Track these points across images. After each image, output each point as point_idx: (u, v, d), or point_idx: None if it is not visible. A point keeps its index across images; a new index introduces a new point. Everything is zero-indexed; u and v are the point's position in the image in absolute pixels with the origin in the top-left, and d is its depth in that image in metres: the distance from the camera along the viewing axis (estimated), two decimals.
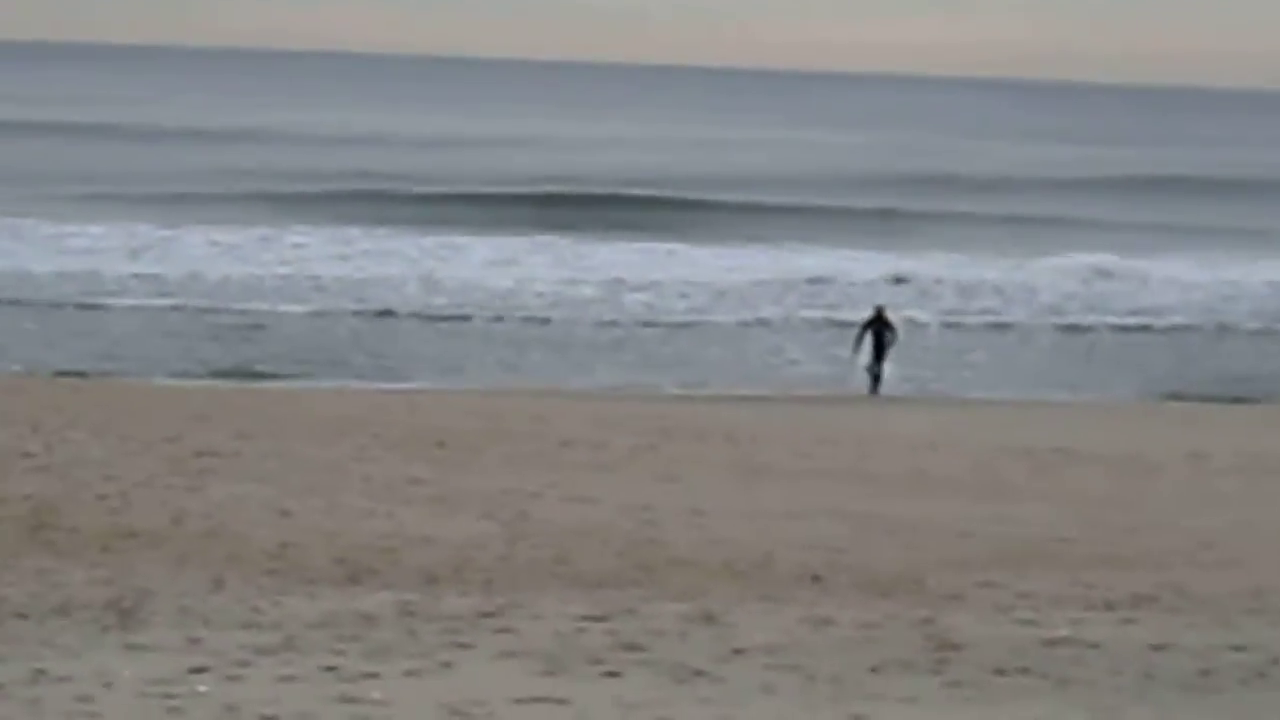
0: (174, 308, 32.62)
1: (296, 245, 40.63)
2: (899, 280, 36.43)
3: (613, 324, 32.93)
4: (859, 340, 22.23)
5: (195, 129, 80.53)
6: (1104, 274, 38.15)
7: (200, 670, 6.98)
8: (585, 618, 8.56)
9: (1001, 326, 32.92)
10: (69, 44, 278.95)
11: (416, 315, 33.94)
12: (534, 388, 25.10)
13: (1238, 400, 25.75)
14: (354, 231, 43.38)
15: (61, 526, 11.51)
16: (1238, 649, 8.01)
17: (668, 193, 53.15)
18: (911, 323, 27.34)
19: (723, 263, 39.36)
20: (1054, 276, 37.79)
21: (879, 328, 22.04)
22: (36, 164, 60.12)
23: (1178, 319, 31.95)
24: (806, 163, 72.99)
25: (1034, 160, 79.82)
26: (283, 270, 37.26)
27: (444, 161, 67.36)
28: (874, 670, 7.35)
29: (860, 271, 37.77)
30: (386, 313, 33.37)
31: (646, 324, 33.51)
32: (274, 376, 25.13)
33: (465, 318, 32.99)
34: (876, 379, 21.82)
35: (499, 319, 32.88)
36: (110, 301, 33.66)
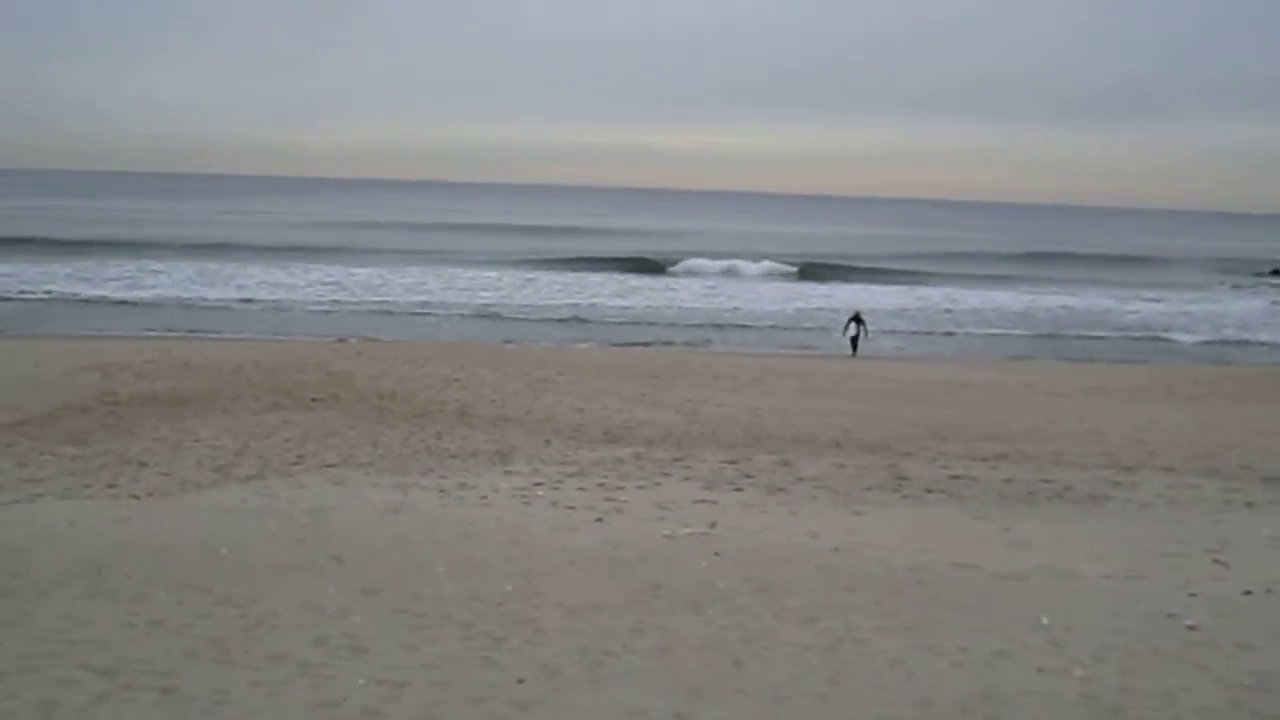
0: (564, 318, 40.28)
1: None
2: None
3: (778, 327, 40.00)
4: (845, 328, 33.54)
5: None
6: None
7: (539, 484, 13.27)
8: (724, 462, 14.99)
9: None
10: None
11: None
12: (710, 349, 33.43)
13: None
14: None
15: (474, 415, 18.19)
16: (1047, 481, 14.49)
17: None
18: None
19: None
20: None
21: (858, 321, 33.22)
22: None
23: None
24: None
25: None
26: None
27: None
28: (866, 489, 13.60)
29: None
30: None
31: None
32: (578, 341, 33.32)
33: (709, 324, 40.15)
34: (855, 347, 32.55)
35: (723, 326, 39.91)
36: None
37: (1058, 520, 12.42)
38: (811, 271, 59.79)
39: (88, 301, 40.25)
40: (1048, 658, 7.91)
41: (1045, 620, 8.63)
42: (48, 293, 41.76)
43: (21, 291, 41.68)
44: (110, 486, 12.89)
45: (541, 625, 8.38)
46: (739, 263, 60.64)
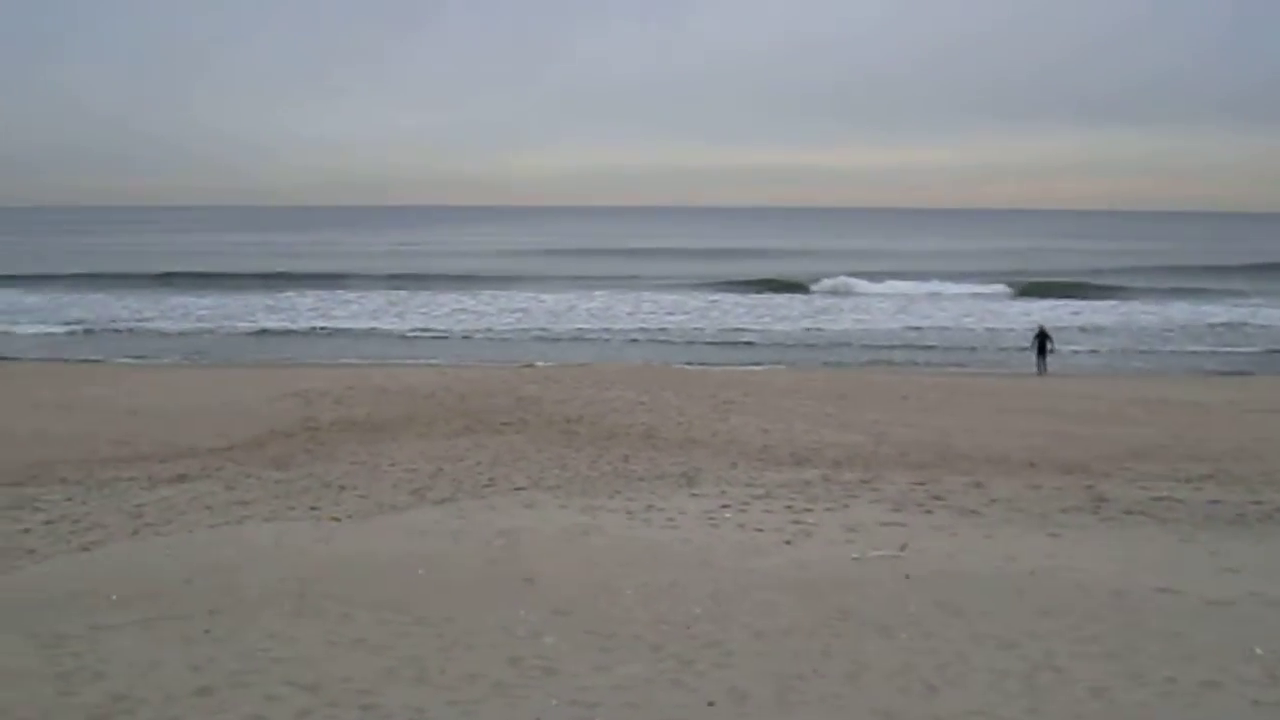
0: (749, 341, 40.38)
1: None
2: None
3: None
4: (1032, 345, 32.24)
5: None
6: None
7: (726, 507, 13.20)
8: (914, 484, 14.71)
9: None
10: None
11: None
12: (896, 368, 32.92)
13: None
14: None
15: (660, 437, 18.28)
16: (1258, 503, 13.73)
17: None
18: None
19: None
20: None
21: (1044, 337, 31.84)
22: None
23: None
24: None
25: None
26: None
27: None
28: (1062, 511, 13.19)
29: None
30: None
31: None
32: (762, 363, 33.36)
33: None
34: (1042, 365, 31.32)
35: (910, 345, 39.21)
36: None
37: (1270, 543, 11.82)
38: (1026, 289, 57.69)
39: (287, 332, 41.83)
40: (1264, 690, 7.54)
41: (1259, 650, 8.21)
42: (250, 323, 43.60)
43: (225, 322, 43.62)
44: (312, 509, 13.32)
45: (730, 648, 8.35)
46: (936, 282, 59.26)
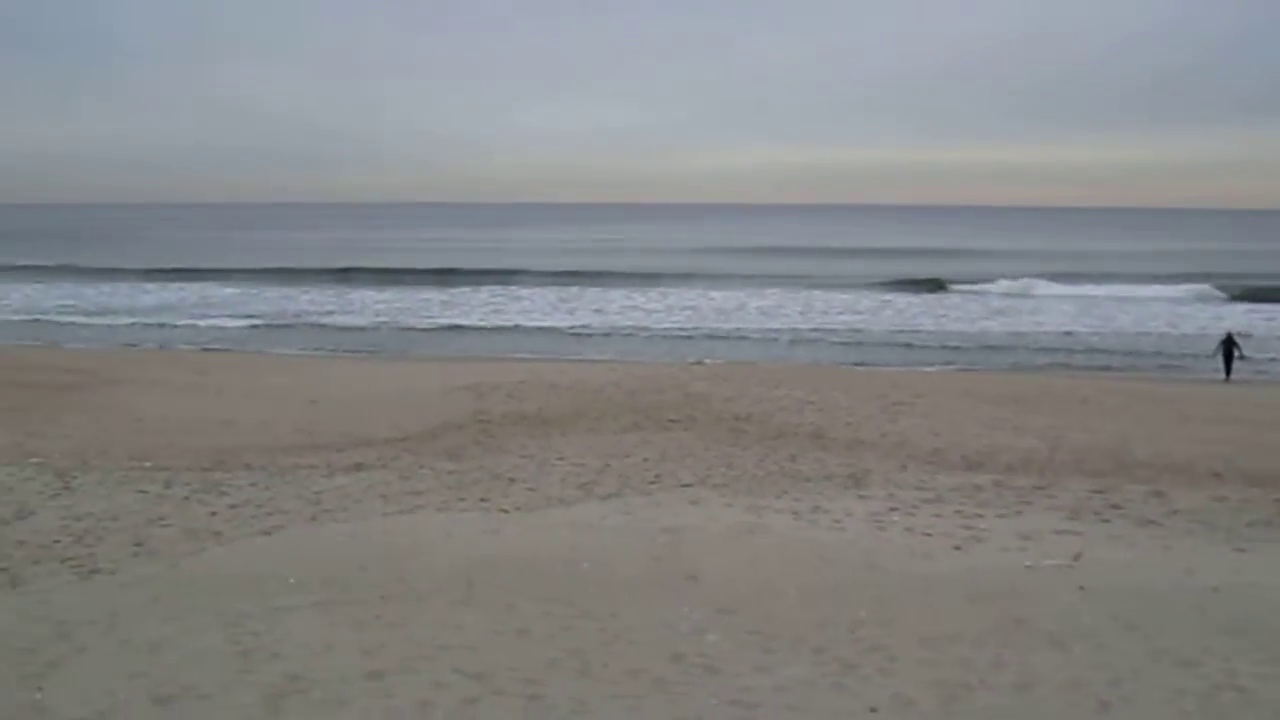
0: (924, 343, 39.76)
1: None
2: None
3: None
4: (1217, 350, 31.11)
5: None
6: None
7: (894, 510, 12.94)
8: (1091, 491, 14.25)
9: None
10: None
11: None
12: (1074, 372, 31.74)
13: None
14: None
15: (828, 438, 18.13)
16: None
17: None
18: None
19: None
20: None
21: (1231, 342, 30.71)
22: None
23: None
24: None
25: None
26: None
27: None
28: (1249, 525, 12.64)
29: None
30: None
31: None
32: (934, 364, 33.05)
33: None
34: (1228, 371, 30.10)
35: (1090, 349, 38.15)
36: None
37: None
38: (1241, 294, 54.65)
39: (462, 327, 42.72)
40: None
41: None
42: (426, 318, 44.69)
43: (401, 317, 44.81)
44: (482, 500, 13.56)
45: (895, 654, 8.22)
46: (1124, 285, 56.89)
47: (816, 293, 54.17)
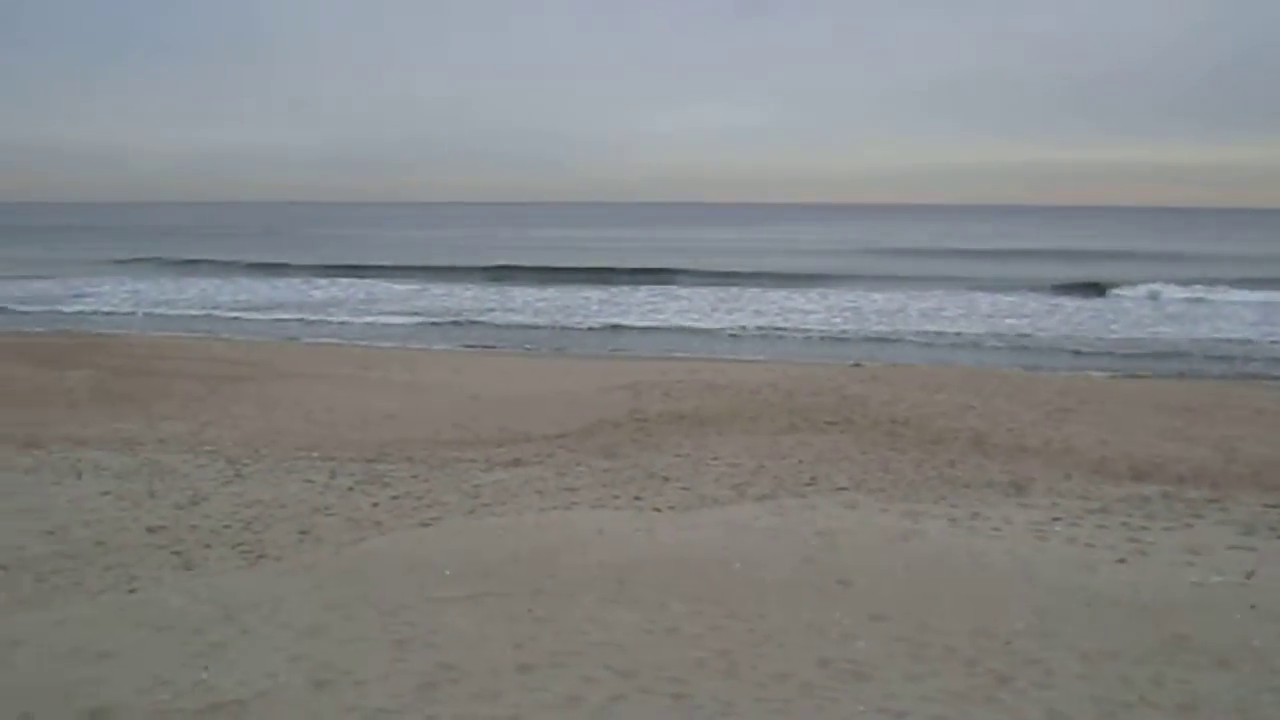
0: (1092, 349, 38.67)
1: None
2: None
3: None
4: None
5: None
6: None
7: (1056, 519, 12.57)
8: (1268, 505, 13.62)
9: None
10: None
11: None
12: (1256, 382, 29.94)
13: None
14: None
15: (989, 443, 17.73)
16: None
17: None
18: None
19: None
20: None
21: None
22: None
23: None
24: None
25: None
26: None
27: None
28: None
29: None
30: None
31: None
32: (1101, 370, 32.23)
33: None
34: None
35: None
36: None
37: None
38: None
39: (619, 326, 43.00)
40: None
41: None
42: (584, 316, 45.17)
43: (559, 315, 45.37)
44: (636, 499, 13.63)
45: (1051, 668, 8.00)
46: None
47: (980, 295, 52.98)
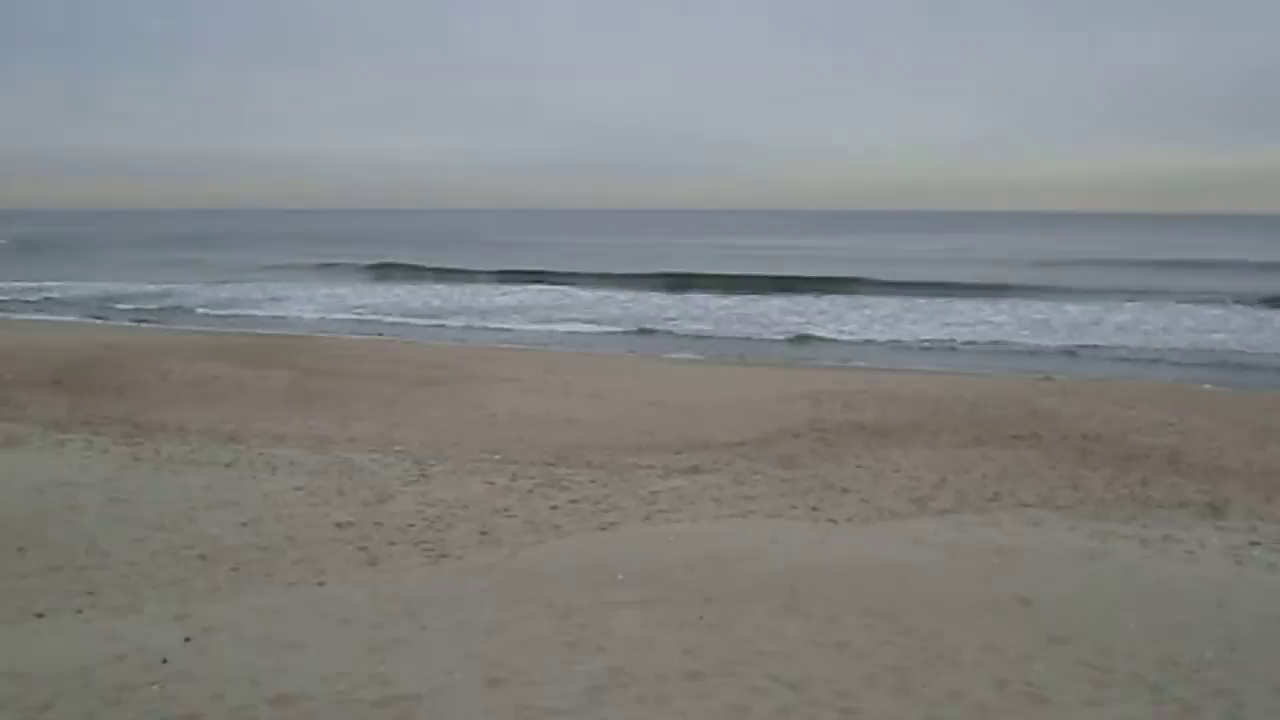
0: None
1: None
2: None
3: None
4: None
5: None
6: None
7: (1255, 544, 11.96)
8: None
9: None
10: None
11: None
12: None
13: None
14: None
15: (1185, 462, 16.91)
16: None
17: None
18: None
19: None
20: None
21: None
22: None
23: None
24: None
25: None
26: None
27: None
28: None
29: None
30: None
31: None
32: None
33: None
34: None
35: None
36: None
37: None
38: None
39: (802, 336, 42.68)
40: None
41: None
42: (764, 324, 45.06)
43: (738, 324, 45.32)
44: (813, 509, 13.53)
45: (1244, 700, 7.64)
46: None
47: (1183, 307, 50.90)
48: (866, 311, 49.99)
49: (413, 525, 12.64)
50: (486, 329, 44.45)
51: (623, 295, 57.27)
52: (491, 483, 14.92)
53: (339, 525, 12.66)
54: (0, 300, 55.22)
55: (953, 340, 41.18)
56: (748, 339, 41.80)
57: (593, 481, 15.08)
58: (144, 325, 43.53)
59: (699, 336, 42.41)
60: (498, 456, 17.04)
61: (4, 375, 24.66)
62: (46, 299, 56.26)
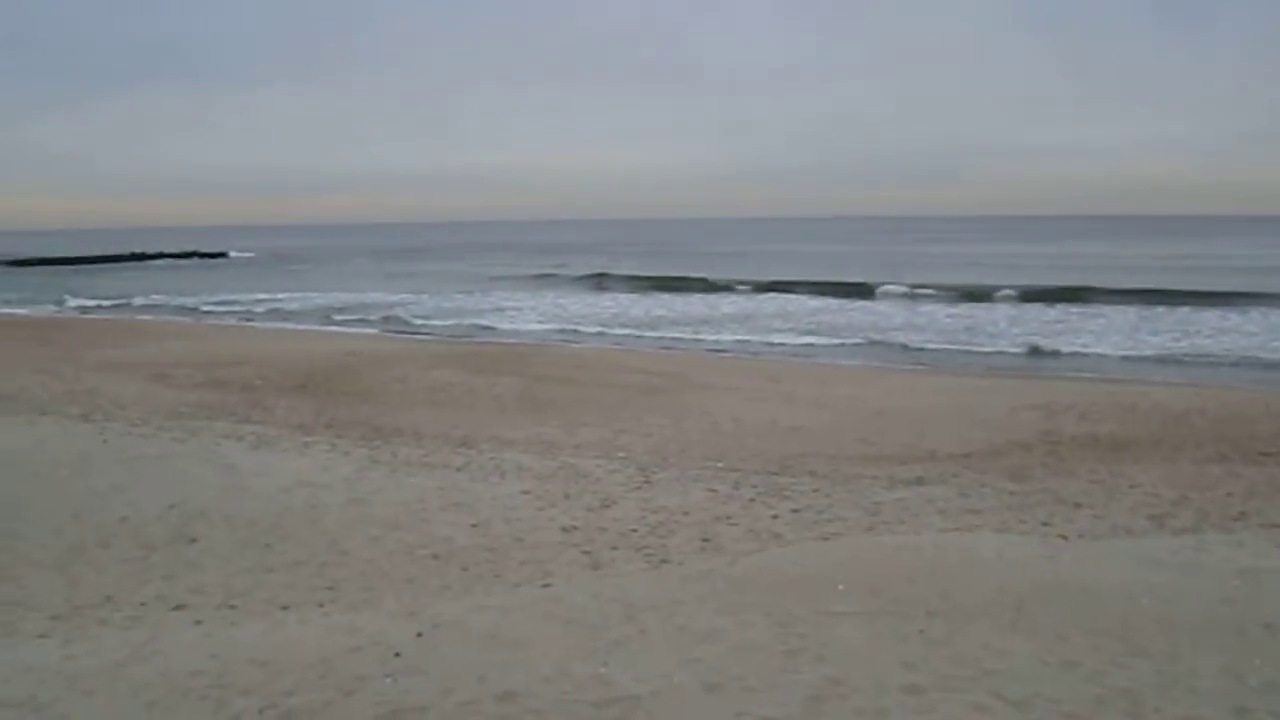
0: None
1: None
2: None
3: None
4: None
5: None
6: None
7: None
8: None
9: None
10: None
11: None
12: None
13: None
14: None
15: None
16: None
17: None
18: None
19: None
20: None
21: None
22: None
23: None
24: None
25: None
26: None
27: None
28: None
29: None
30: None
31: None
32: None
33: None
34: None
35: None
36: None
37: None
38: None
39: (1031, 346, 41.38)
40: None
41: None
42: (994, 333, 43.88)
43: (963, 334, 44.23)
44: (1043, 524, 13.17)
45: None
46: None
47: None
48: (1101, 321, 48.18)
49: (635, 530, 12.84)
50: (708, 337, 44.64)
51: (847, 303, 56.71)
52: (714, 490, 15.02)
53: (564, 529, 12.97)
54: (249, 310, 58.49)
55: (1196, 351, 39.30)
56: (974, 347, 40.79)
57: (815, 491, 15.03)
58: (381, 333, 45.40)
59: (924, 344, 41.63)
60: (720, 464, 17.14)
61: (255, 381, 26.13)
62: (287, 309, 59.31)
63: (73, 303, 64.12)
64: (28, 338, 37.72)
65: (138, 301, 64.62)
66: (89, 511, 13.66)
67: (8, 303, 63.36)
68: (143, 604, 10.66)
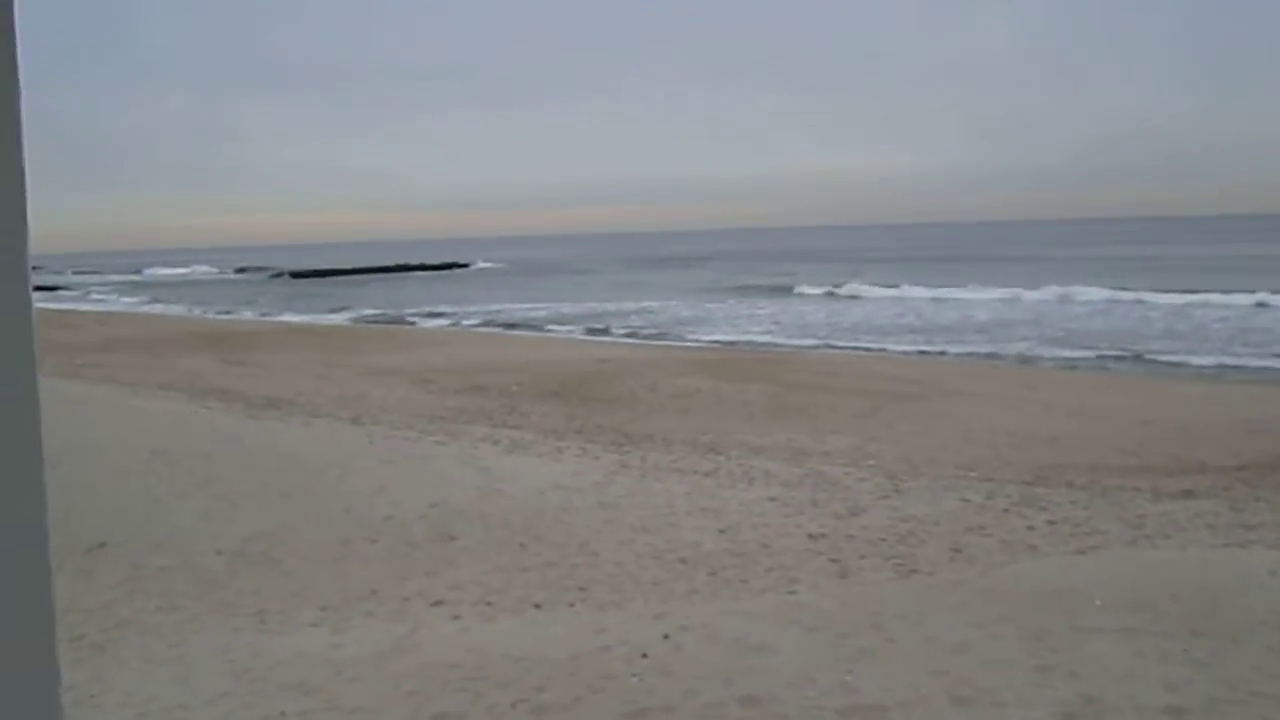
0: None
1: None
2: None
3: None
4: None
5: None
6: None
7: None
8: None
9: None
10: None
11: None
12: None
13: None
14: None
15: None
16: None
17: None
18: None
19: None
20: None
21: None
22: None
23: None
24: None
25: None
26: None
27: None
28: None
29: None
30: None
31: None
32: None
33: None
34: None
35: None
36: None
37: None
38: None
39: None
40: None
41: None
42: (1268, 342, 41.26)
43: (1245, 334, 41.75)
44: None
45: None
46: None
47: None
48: None
49: (884, 539, 12.68)
50: (961, 344, 43.56)
51: (1118, 307, 54.33)
52: (966, 500, 14.69)
53: (811, 536, 12.92)
54: (503, 318, 60.43)
55: None
56: (1251, 356, 38.46)
57: (1073, 502, 14.51)
58: (631, 342, 46.20)
59: (1195, 352, 39.47)
60: (973, 473, 16.75)
61: (511, 387, 27.00)
62: (537, 318, 60.95)
63: (346, 313, 67.65)
64: (305, 345, 40.03)
65: (407, 311, 67.62)
66: (357, 509, 14.40)
67: (296, 311, 67.45)
68: (405, 598, 11.16)
